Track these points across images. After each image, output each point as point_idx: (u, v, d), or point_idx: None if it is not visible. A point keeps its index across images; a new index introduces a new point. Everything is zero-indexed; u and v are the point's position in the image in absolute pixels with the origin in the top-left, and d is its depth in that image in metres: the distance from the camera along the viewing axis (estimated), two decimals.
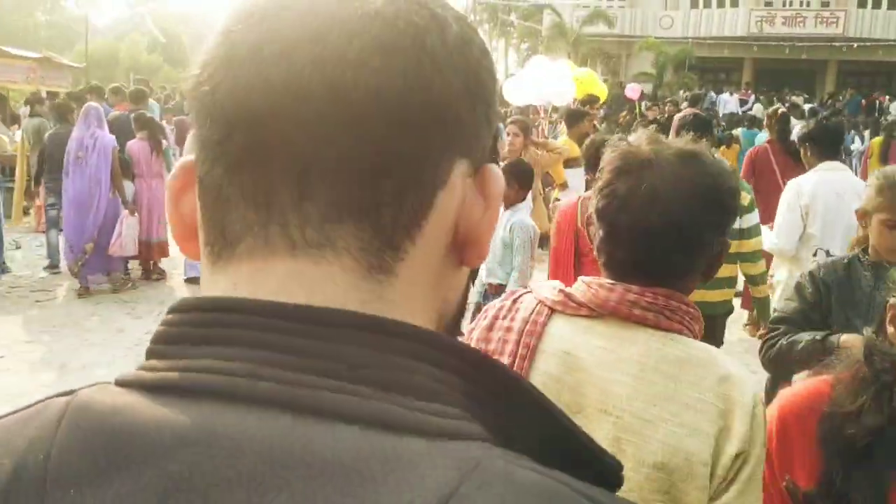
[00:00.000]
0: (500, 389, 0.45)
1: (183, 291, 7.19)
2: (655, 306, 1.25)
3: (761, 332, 3.99)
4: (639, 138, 1.35)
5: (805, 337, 2.32)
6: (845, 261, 2.46)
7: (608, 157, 1.33)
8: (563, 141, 7.20)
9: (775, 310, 2.61)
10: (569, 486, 0.40)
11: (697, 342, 1.28)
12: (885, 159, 12.79)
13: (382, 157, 0.44)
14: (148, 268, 7.53)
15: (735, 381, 1.22)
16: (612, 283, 1.29)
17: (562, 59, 10.28)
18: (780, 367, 2.50)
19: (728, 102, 22.18)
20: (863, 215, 2.43)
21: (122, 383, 0.44)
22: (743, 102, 22.13)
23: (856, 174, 6.26)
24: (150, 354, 0.45)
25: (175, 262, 7.81)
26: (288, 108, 0.43)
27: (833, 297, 2.39)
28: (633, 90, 18.73)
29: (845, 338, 2.18)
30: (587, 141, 4.25)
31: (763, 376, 4.76)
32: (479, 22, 40.28)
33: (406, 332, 0.44)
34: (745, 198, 3.37)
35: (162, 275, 7.61)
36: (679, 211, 1.24)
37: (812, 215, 3.69)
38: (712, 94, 23.02)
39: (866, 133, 15.30)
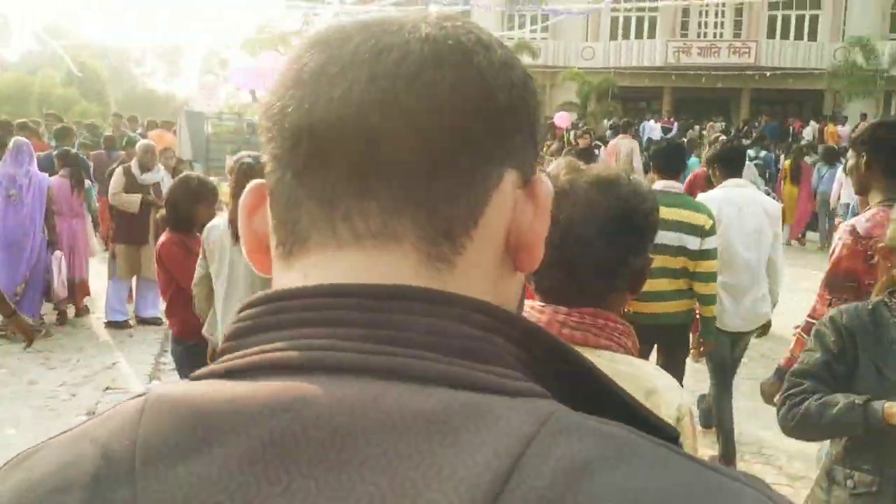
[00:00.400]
0: (557, 359, 0.49)
1: (104, 336, 6.80)
2: (583, 325, 1.31)
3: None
4: (557, 167, 1.42)
5: (840, 400, 2.01)
6: (870, 306, 2.14)
7: None
8: None
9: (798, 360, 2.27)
10: (644, 438, 0.43)
11: (624, 357, 1.33)
12: (796, 180, 13.43)
13: (435, 159, 0.48)
14: (64, 311, 7.13)
15: (661, 393, 1.29)
16: (542, 306, 1.36)
17: None
18: (807, 433, 2.20)
19: (653, 129, 22.77)
20: (888, 253, 2.18)
21: (195, 377, 0.47)
22: (666, 130, 22.73)
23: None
24: (223, 352, 0.48)
25: (95, 304, 7.41)
26: (348, 117, 0.48)
27: (859, 346, 2.09)
28: (561, 118, 19.01)
29: (890, 405, 1.93)
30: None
31: (696, 389, 4.76)
32: None
33: (473, 304, 0.47)
34: (708, 222, 3.73)
35: (86, 311, 7.30)
36: (594, 238, 1.31)
37: (717, 227, 3.88)
38: (646, 123, 23.66)
39: (782, 156, 15.92)
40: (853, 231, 2.76)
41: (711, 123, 22.88)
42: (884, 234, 2.25)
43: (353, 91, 0.48)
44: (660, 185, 4.05)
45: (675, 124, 24.83)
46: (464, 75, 0.49)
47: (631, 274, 1.37)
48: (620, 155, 11.17)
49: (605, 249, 1.32)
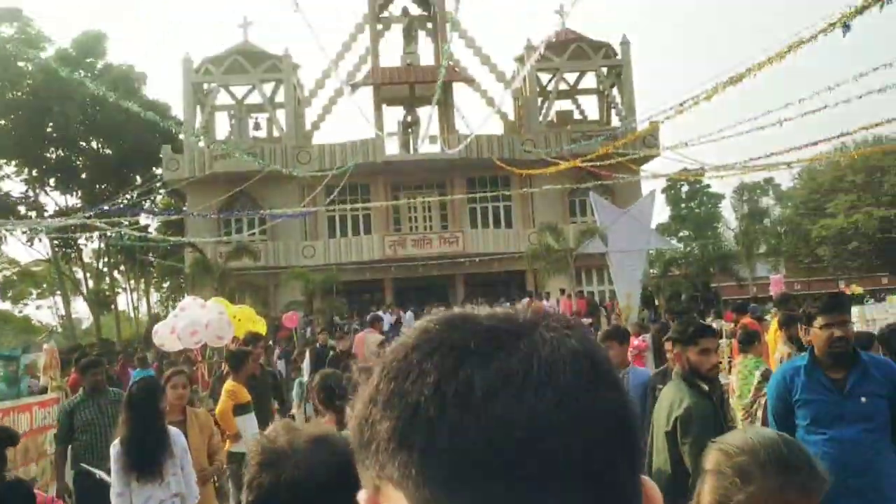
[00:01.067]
0: None
1: None
2: None
3: None
4: (275, 430, 1.52)
5: None
6: None
7: (252, 450, 1.50)
8: (229, 385, 6.58)
9: None
10: None
11: None
12: None
13: (607, 460, 0.56)
14: None
15: None
16: None
17: (214, 299, 9.71)
18: None
19: (387, 321, 23.27)
20: None
21: None
22: (397, 322, 23.35)
23: None
24: None
25: None
26: (549, 436, 0.54)
27: None
28: (290, 319, 18.65)
29: None
30: (317, 382, 4.30)
31: None
32: (115, 263, 38.40)
33: None
34: None
35: None
36: (314, 495, 1.39)
37: None
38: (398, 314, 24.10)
39: None
40: None
41: (433, 309, 23.93)
42: None
43: (548, 411, 0.54)
44: None
45: (403, 313, 25.66)
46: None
47: None
48: (369, 347, 11.00)
49: (328, 501, 1.36)
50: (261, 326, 9.76)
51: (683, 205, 61.24)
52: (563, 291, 25.35)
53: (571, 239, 24.51)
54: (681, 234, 49.45)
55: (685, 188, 62.92)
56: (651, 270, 26.23)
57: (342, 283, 28.74)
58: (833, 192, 28.34)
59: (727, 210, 31.86)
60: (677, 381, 3.66)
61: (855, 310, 7.01)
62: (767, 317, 10.67)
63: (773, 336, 9.22)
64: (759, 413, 6.60)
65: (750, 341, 6.89)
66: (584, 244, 23.83)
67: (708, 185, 63.31)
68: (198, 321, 8.32)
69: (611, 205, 25.48)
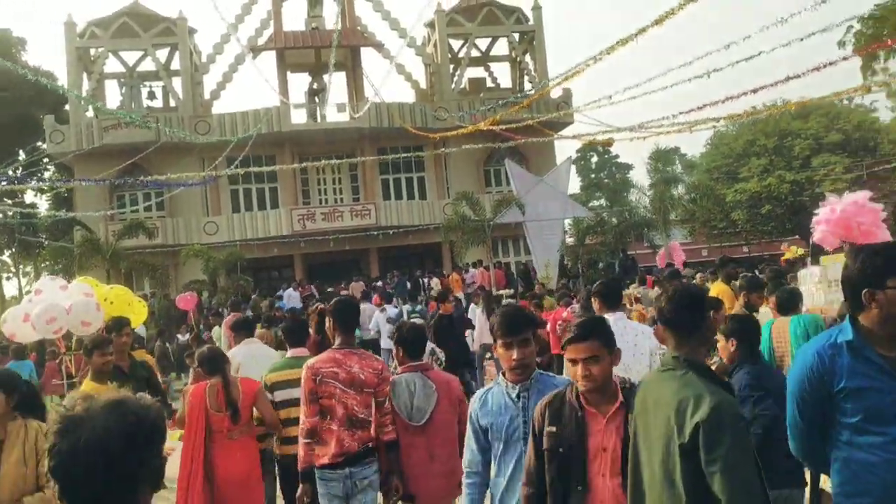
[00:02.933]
0: None
1: None
2: None
3: None
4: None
5: None
6: None
7: (52, 419, 1.58)
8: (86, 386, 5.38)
9: None
10: None
11: None
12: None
13: None
14: None
15: None
16: None
17: (80, 279, 8.33)
18: None
19: (292, 297, 21.98)
20: None
21: None
22: (309, 298, 22.05)
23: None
24: None
25: None
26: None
27: None
28: (184, 300, 17.16)
29: None
30: None
31: None
32: None
33: None
34: None
35: None
36: (110, 457, 1.51)
37: None
38: (286, 292, 22.82)
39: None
40: None
41: (354, 283, 22.91)
42: None
43: None
44: (290, 352, 5.53)
45: (313, 289, 24.39)
46: None
47: (151, 473, 1.60)
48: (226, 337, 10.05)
49: (121, 465, 1.52)
50: (139, 309, 8.45)
51: (593, 175, 61.67)
52: (480, 263, 24.57)
53: (488, 209, 23.67)
54: (594, 202, 49.64)
55: (595, 159, 63.50)
56: (568, 239, 25.75)
57: (248, 260, 27.21)
58: (745, 156, 28.54)
59: (643, 177, 31.82)
60: (680, 371, 2.58)
61: (816, 269, 6.39)
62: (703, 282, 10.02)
63: None
64: None
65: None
66: (501, 214, 23.05)
67: (617, 156, 64.35)
68: (57, 306, 7.00)
69: (527, 173, 24.79)
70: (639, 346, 4.88)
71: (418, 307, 16.14)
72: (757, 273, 9.77)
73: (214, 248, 26.17)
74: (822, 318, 5.82)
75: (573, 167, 35.33)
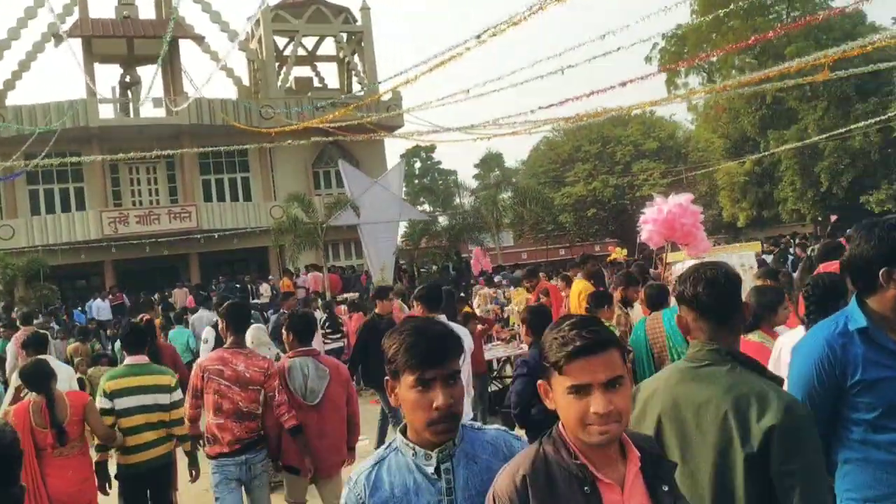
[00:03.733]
0: None
1: None
2: None
3: None
4: None
5: None
6: None
7: None
8: None
9: None
10: None
11: None
12: None
13: None
14: None
15: None
16: None
17: None
18: None
19: (101, 308, 20.01)
20: None
21: None
22: (119, 308, 20.21)
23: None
24: None
25: None
26: None
27: None
28: None
29: None
30: None
31: None
32: None
33: None
34: (173, 380, 5.15)
35: None
36: None
37: None
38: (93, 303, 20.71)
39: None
40: None
41: (177, 290, 21.31)
42: None
43: None
44: (129, 360, 5.17)
45: (125, 298, 22.49)
46: None
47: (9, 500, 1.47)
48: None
49: None
50: None
51: (417, 181, 62.23)
52: (314, 266, 23.73)
53: (320, 211, 22.91)
54: (419, 207, 49.97)
55: (418, 164, 64.09)
56: (400, 241, 25.55)
57: (52, 267, 24.61)
58: (571, 161, 29.80)
59: (473, 182, 32.24)
60: (725, 366, 2.18)
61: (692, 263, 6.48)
62: (555, 280, 10.03)
63: (577, 300, 8.53)
64: None
65: (602, 304, 5.93)
66: (335, 216, 22.35)
67: (439, 162, 65.41)
68: None
69: (361, 174, 24.23)
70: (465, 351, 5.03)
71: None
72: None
73: (11, 255, 23.44)
74: None
75: None
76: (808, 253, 11.24)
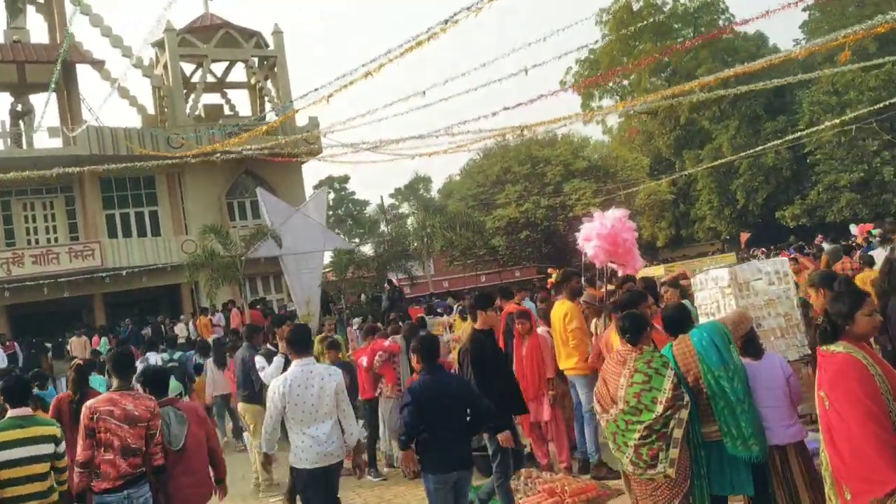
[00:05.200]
0: None
1: None
2: None
3: None
4: None
5: None
6: None
7: None
8: None
9: None
10: None
11: None
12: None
13: None
14: None
15: None
16: None
17: None
18: None
19: None
20: None
21: None
22: (12, 357, 18.12)
23: None
24: None
25: None
26: None
27: None
28: None
29: None
30: None
31: None
32: None
33: None
34: (58, 431, 5.03)
35: None
36: None
37: None
38: None
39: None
40: None
41: (74, 339, 19.26)
42: None
43: None
44: (12, 412, 5.02)
45: (17, 347, 20.27)
46: None
47: None
48: None
49: None
50: None
51: (331, 212, 60.79)
52: (232, 303, 22.08)
53: (238, 243, 21.37)
54: (343, 234, 48.52)
55: (332, 196, 62.59)
56: (326, 271, 24.21)
57: None
58: (500, 183, 29.18)
59: (404, 208, 31.21)
60: None
61: (722, 272, 5.55)
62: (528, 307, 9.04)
63: (562, 323, 7.57)
64: (676, 433, 4.65)
65: (640, 330, 4.92)
66: (254, 247, 20.90)
67: (353, 192, 64.18)
68: None
69: (281, 202, 22.86)
70: (325, 388, 5.35)
71: (176, 354, 13.73)
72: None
73: None
74: (725, 325, 4.96)
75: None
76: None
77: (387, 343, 8.72)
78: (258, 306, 22.43)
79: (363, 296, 21.96)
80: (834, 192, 33.82)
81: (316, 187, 56.45)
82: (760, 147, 32.00)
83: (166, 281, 26.45)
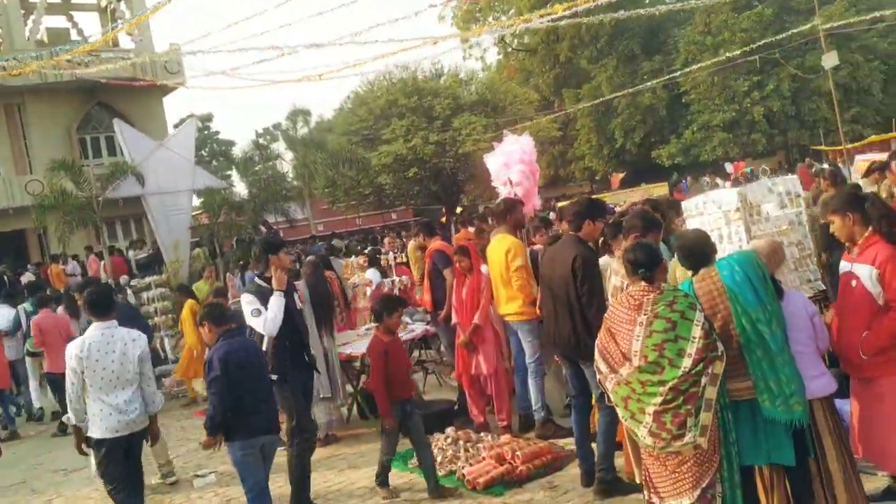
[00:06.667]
0: None
1: None
2: None
3: None
4: None
5: None
6: None
7: None
8: None
9: None
10: None
11: None
12: None
13: None
14: None
15: None
16: None
17: None
18: None
19: None
20: None
21: None
22: None
23: None
24: None
25: None
26: None
27: None
28: None
29: None
30: None
31: None
32: None
33: None
34: None
35: None
36: None
37: None
38: None
39: None
40: None
41: None
42: None
43: None
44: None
45: None
46: None
47: None
48: None
49: None
50: None
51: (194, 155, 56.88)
52: (90, 250, 19.70)
53: (93, 183, 18.94)
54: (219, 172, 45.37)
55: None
56: (196, 213, 22.15)
57: None
58: (386, 118, 27.50)
59: (280, 145, 28.86)
60: None
61: (728, 194, 4.57)
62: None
63: (505, 259, 6.48)
64: (709, 392, 3.70)
65: (656, 262, 3.89)
66: (114, 186, 18.57)
67: (217, 132, 60.32)
68: None
69: (143, 137, 20.46)
70: (127, 354, 4.91)
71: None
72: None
73: None
74: (758, 256, 4.01)
75: None
76: None
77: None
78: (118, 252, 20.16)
79: (238, 239, 20.10)
80: (707, 131, 34.45)
81: (176, 126, 52.78)
82: (637, 87, 32.00)
83: (8, 226, 23.50)
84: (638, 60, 36.94)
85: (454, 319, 6.86)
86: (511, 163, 9.03)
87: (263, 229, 20.16)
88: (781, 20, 33.48)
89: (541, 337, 6.37)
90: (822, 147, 30.48)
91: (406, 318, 8.76)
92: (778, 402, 3.72)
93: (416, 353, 8.80)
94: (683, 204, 4.99)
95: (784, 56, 32.15)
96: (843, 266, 4.04)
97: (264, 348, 5.52)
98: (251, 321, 5.51)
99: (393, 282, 9.45)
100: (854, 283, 3.87)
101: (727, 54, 29.02)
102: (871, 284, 3.78)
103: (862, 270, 3.83)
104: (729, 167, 30.33)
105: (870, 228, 3.87)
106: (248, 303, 5.55)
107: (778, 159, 36.57)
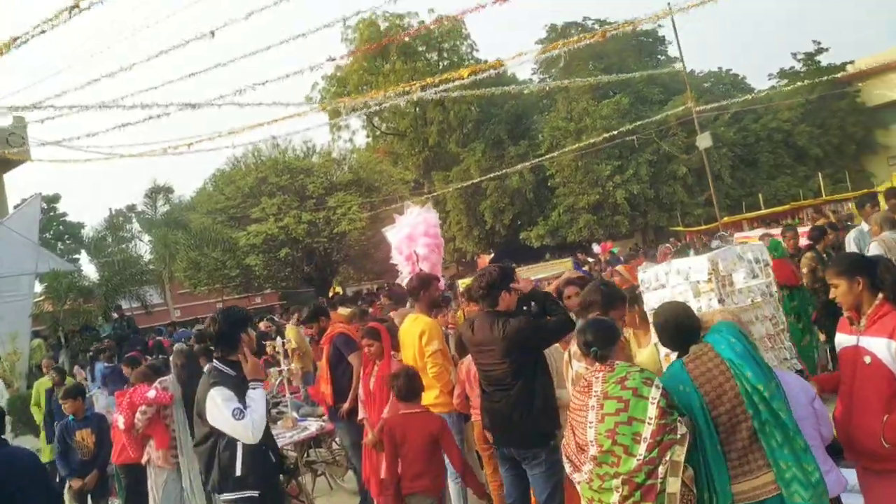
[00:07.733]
0: None
1: None
2: None
3: None
4: None
5: None
6: None
7: None
8: None
9: None
10: None
11: None
12: None
13: None
14: None
15: None
16: None
17: None
18: None
19: None
20: None
21: None
22: None
23: None
24: None
25: None
26: None
27: None
28: None
29: None
30: None
31: None
32: None
33: None
34: None
35: None
36: None
37: None
38: None
39: None
40: None
41: None
42: None
43: None
44: None
45: None
46: None
47: None
48: None
49: None
50: None
51: (39, 236, 52.65)
52: None
53: None
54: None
55: (39, 216, 54.26)
56: (38, 300, 19.87)
57: None
58: (255, 196, 26.05)
59: (136, 226, 26.68)
60: None
61: (699, 261, 3.90)
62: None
63: (416, 345, 5.65)
64: (671, 485, 2.98)
65: (611, 340, 3.18)
66: None
67: (65, 213, 56.36)
68: None
69: None
70: None
71: None
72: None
73: None
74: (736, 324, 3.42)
75: None
76: None
77: (151, 393, 6.08)
78: None
79: (88, 329, 18.05)
80: (573, 213, 35.32)
81: (17, 207, 48.70)
82: (504, 170, 32.57)
83: None
84: (505, 145, 37.75)
85: (360, 414, 5.88)
86: (416, 235, 8.49)
87: (116, 316, 18.21)
88: (637, 109, 35.32)
89: (462, 432, 5.55)
90: (680, 228, 31.89)
91: (293, 413, 7.69)
92: (808, 494, 3.04)
93: (306, 454, 7.64)
94: (640, 276, 4.36)
95: (641, 143, 33.73)
96: (846, 340, 3.49)
97: (239, 458, 4.11)
98: (232, 425, 3.98)
99: (280, 371, 8.28)
100: (868, 359, 3.30)
101: (589, 140, 30.13)
102: (890, 360, 3.23)
103: (877, 344, 3.27)
104: (596, 247, 31.02)
105: (880, 296, 3.35)
106: (225, 400, 4.02)
107: (635, 240, 38.03)
